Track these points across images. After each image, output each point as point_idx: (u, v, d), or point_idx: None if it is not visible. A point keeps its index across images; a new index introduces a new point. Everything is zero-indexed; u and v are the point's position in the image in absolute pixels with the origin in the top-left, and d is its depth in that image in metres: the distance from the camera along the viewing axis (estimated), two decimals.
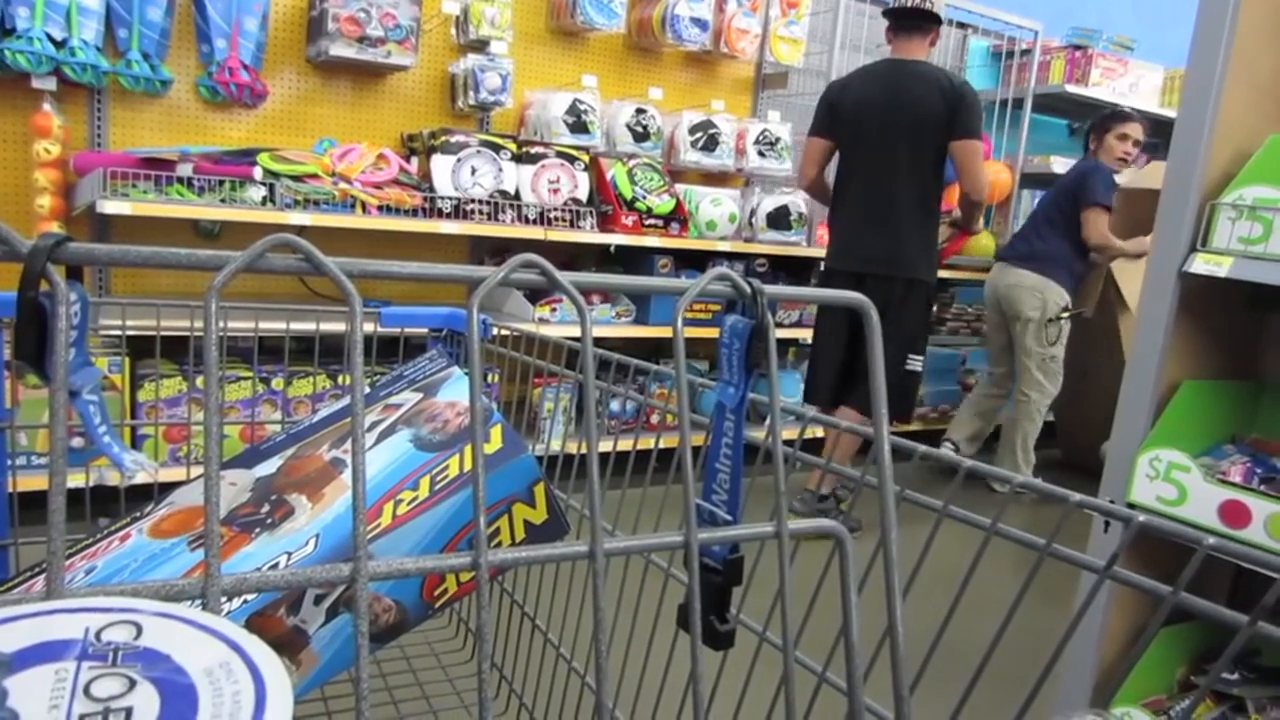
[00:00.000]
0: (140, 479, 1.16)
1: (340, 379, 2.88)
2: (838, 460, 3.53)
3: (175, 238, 3.13)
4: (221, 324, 1.56)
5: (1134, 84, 4.82)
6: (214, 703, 0.26)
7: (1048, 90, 4.64)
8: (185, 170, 2.72)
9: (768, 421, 0.50)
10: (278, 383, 2.73)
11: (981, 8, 4.54)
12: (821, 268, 3.43)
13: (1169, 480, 1.52)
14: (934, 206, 3.21)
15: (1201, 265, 1.52)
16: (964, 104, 3.09)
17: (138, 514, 0.92)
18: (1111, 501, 1.40)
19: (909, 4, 3.19)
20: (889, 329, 3.18)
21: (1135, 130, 3.93)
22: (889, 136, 3.12)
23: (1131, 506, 1.56)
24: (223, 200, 2.76)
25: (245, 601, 0.79)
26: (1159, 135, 4.91)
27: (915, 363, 3.27)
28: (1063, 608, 2.43)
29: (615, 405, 3.54)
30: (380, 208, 2.99)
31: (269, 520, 0.84)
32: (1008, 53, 4.81)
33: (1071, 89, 4.60)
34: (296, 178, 2.89)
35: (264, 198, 2.81)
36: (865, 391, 3.27)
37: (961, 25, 4.79)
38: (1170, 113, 4.75)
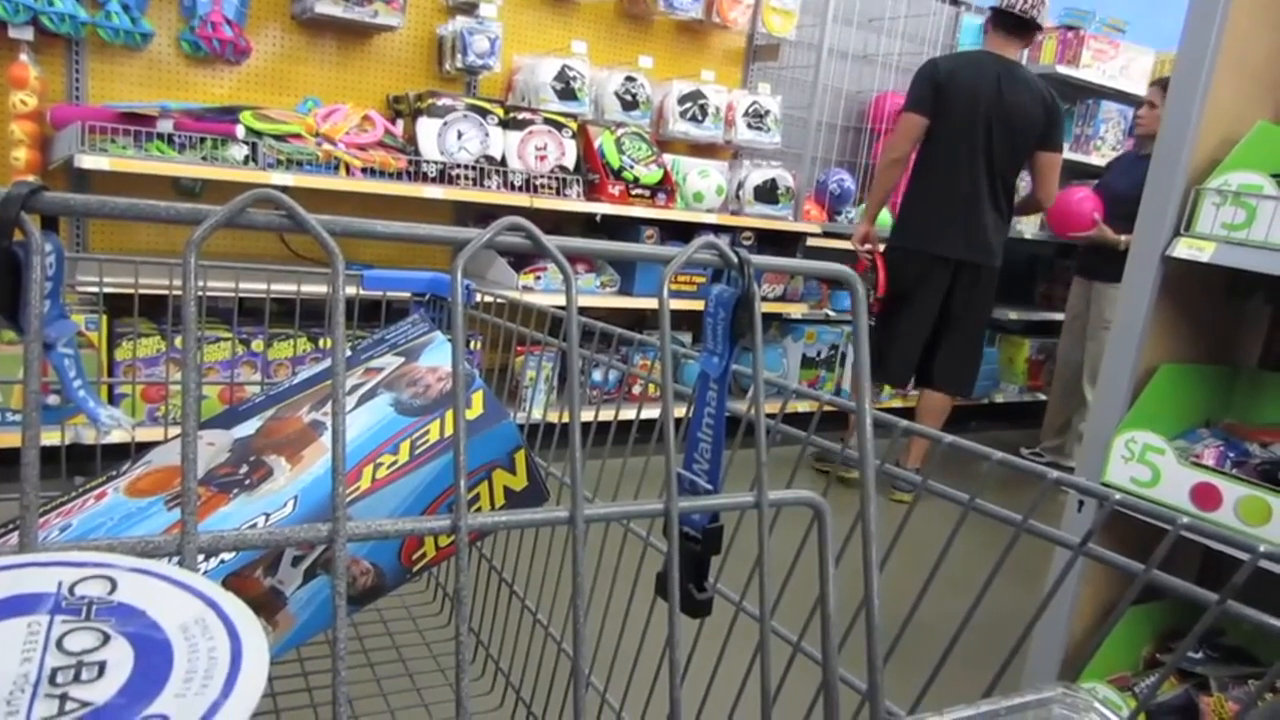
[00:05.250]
0: (116, 437, 1.15)
1: (321, 342, 2.86)
2: (914, 460, 3.64)
3: (155, 195, 3.08)
4: (201, 283, 1.55)
5: (1124, 66, 4.81)
6: (189, 658, 0.26)
7: (1039, 70, 4.61)
8: (166, 126, 2.68)
9: (750, 393, 0.50)
10: (258, 344, 2.71)
11: None
12: (891, 245, 3.53)
13: (1143, 462, 1.53)
14: (1012, 201, 3.50)
15: (1184, 250, 1.52)
16: (1058, 119, 3.42)
17: (114, 473, 0.91)
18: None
19: (1017, 9, 3.38)
20: (980, 311, 3.47)
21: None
22: (994, 134, 3.32)
23: (1106, 487, 1.58)
24: (204, 158, 2.71)
25: (222, 561, 0.78)
26: None
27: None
28: (1035, 585, 2.46)
29: (598, 375, 3.54)
30: (364, 170, 2.95)
31: (247, 481, 0.84)
32: None
33: (1062, 69, 4.58)
34: (279, 137, 2.85)
35: (246, 157, 2.77)
36: (948, 371, 3.49)
37: (955, 2, 4.77)
38: None
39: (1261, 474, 1.49)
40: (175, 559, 0.37)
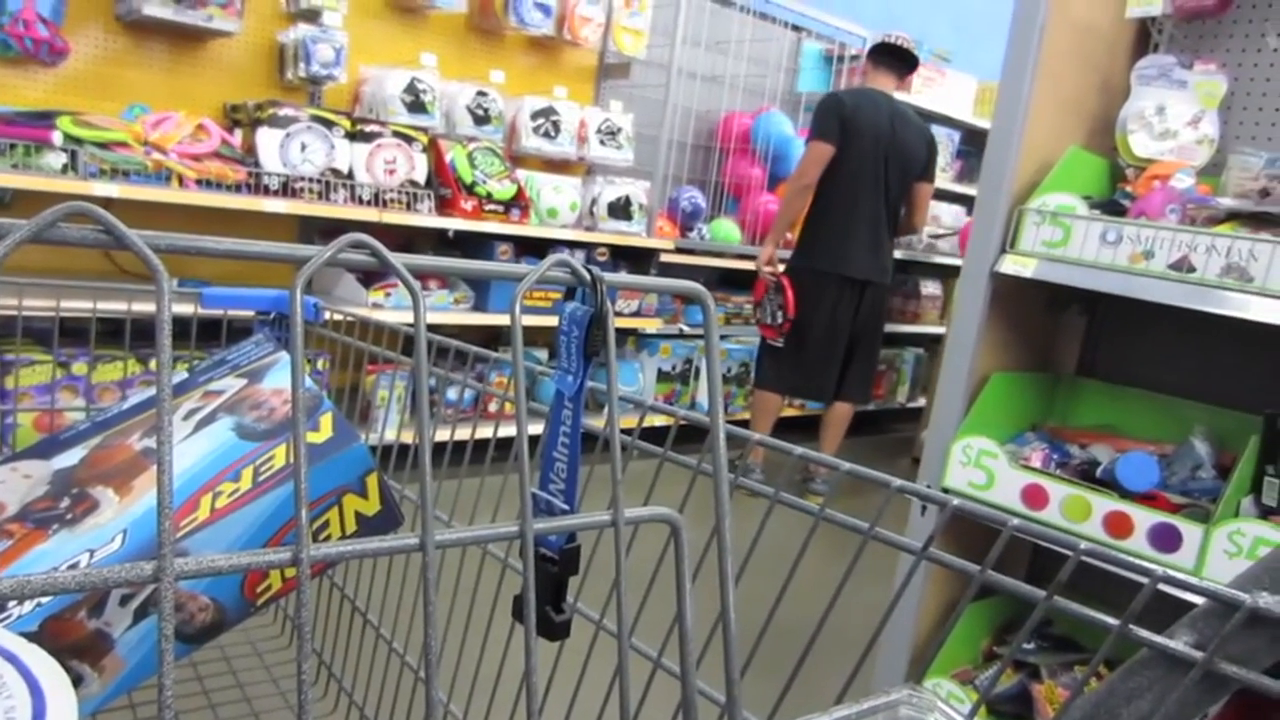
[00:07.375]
0: None
1: (153, 364, 2.68)
2: (828, 449, 3.79)
3: None
4: (14, 301, 1.42)
5: (950, 93, 5.14)
6: None
7: None
8: None
9: (607, 410, 0.50)
10: (80, 367, 2.51)
11: (815, 11, 4.73)
12: (798, 267, 3.70)
13: (979, 466, 1.63)
14: (898, 226, 3.83)
15: (1010, 266, 1.64)
16: (935, 154, 3.81)
17: None
18: (928, 486, 1.49)
19: (898, 43, 3.67)
20: (878, 326, 3.78)
21: None
22: (889, 165, 3.64)
23: (946, 491, 1.67)
24: (15, 166, 2.50)
25: (39, 605, 0.72)
26: (973, 144, 5.26)
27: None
28: (888, 584, 2.57)
29: (453, 393, 3.47)
30: (199, 182, 2.79)
31: (69, 515, 0.77)
32: (838, 57, 5.02)
33: (897, 95, 4.83)
34: (103, 145, 2.65)
35: (65, 165, 2.57)
36: (855, 384, 3.73)
37: (796, 28, 4.97)
38: (982, 122, 5.09)
39: (1081, 474, 1.61)
40: None
